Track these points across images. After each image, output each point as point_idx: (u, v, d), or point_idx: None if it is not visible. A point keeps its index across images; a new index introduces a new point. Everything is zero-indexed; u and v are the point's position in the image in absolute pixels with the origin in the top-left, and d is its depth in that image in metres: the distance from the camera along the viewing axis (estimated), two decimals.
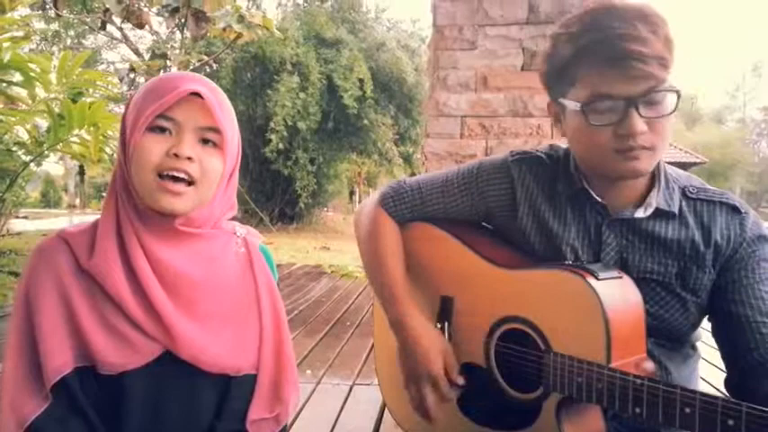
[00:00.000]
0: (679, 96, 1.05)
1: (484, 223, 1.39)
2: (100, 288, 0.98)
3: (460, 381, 1.24)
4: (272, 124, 13.39)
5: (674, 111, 1.05)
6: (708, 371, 2.50)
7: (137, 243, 1.00)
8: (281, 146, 13.51)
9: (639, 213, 1.16)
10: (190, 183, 0.98)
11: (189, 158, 0.97)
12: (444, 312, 1.34)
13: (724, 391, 1.14)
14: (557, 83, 1.16)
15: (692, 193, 1.18)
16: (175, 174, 0.97)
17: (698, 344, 1.29)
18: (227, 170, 1.04)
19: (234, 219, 1.20)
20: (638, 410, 0.95)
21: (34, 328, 0.96)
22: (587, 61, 1.06)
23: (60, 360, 0.95)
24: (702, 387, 0.83)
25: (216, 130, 1.00)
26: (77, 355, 0.97)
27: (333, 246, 11.79)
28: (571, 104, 1.11)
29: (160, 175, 0.97)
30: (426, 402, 1.24)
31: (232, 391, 1.07)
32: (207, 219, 1.06)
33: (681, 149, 25.21)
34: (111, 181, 1.04)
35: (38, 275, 0.98)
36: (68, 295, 0.97)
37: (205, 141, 1.00)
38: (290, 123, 13.39)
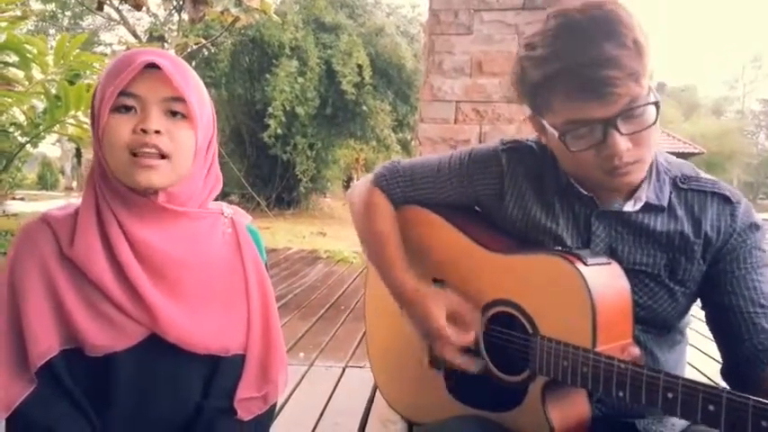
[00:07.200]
0: (658, 107, 1.02)
1: (476, 208, 1.39)
2: (83, 273, 0.98)
3: (477, 324, 1.22)
4: (270, 109, 13.31)
5: (655, 122, 1.03)
6: (696, 357, 2.53)
7: (117, 226, 0.99)
8: (279, 131, 13.44)
9: (628, 207, 1.16)
10: (163, 156, 0.97)
11: (157, 132, 0.96)
12: None
13: (710, 376, 1.16)
14: (531, 104, 1.14)
15: (683, 183, 1.17)
16: (146, 150, 0.96)
17: (686, 330, 1.30)
18: (200, 142, 1.02)
19: (231, 203, 1.20)
20: (621, 394, 0.96)
21: (20, 313, 0.96)
22: (557, 90, 1.04)
23: (46, 344, 0.95)
24: (690, 372, 0.85)
25: (181, 100, 0.98)
26: (64, 338, 0.97)
27: (329, 231, 11.78)
28: (549, 128, 1.10)
29: (133, 154, 0.96)
30: (448, 359, 1.22)
31: (221, 370, 1.07)
32: (190, 195, 1.05)
33: (679, 140, 25.15)
34: (91, 166, 1.03)
35: (22, 260, 0.98)
36: (53, 279, 0.97)
37: (173, 114, 0.99)
38: (288, 108, 13.32)
